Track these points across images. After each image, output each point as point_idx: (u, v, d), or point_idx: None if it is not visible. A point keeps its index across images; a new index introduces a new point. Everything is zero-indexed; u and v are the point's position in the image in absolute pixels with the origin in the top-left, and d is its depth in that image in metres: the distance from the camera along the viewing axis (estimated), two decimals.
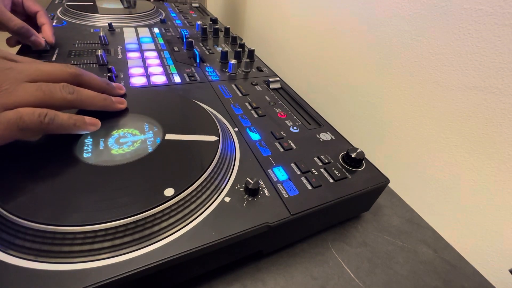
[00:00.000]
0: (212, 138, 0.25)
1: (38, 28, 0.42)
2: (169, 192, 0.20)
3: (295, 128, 0.32)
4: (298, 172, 0.26)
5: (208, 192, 0.22)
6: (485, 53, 0.32)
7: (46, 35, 0.41)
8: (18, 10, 0.41)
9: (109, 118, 0.27)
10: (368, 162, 0.28)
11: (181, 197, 0.20)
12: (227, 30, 0.58)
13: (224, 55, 0.46)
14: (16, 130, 0.19)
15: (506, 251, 0.34)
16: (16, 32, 0.37)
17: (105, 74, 0.36)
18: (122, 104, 0.28)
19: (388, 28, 0.42)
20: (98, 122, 0.25)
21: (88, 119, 0.24)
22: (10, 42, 0.41)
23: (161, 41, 0.51)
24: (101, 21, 0.55)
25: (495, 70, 0.31)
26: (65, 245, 0.17)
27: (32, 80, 0.21)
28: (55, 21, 0.52)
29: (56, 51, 0.41)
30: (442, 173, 0.39)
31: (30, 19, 0.42)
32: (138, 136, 0.26)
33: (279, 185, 0.24)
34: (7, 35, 0.40)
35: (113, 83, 0.29)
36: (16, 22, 0.36)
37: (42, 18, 0.42)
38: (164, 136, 0.26)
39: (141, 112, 0.29)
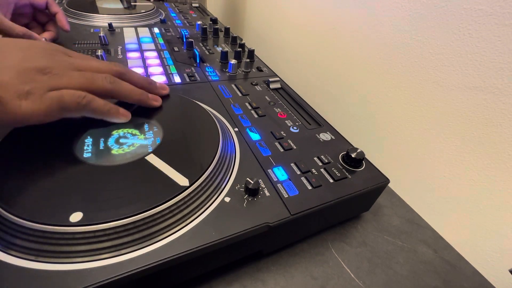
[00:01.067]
0: (182, 181, 0.22)
1: (42, 26, 0.43)
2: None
3: (295, 128, 0.32)
4: (298, 172, 0.26)
5: (208, 192, 0.22)
6: (485, 53, 0.32)
7: (62, 23, 0.43)
8: (24, 11, 0.42)
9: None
10: (368, 162, 0.28)
11: (181, 197, 0.20)
12: (227, 30, 0.58)
13: (224, 55, 0.46)
14: (57, 108, 0.21)
15: (506, 251, 0.34)
16: (20, 37, 0.37)
17: None
18: (157, 101, 0.30)
19: (388, 28, 0.42)
20: (129, 115, 0.27)
21: (121, 110, 0.26)
22: None
23: (161, 41, 0.51)
24: (101, 21, 0.55)
25: (495, 70, 0.31)
26: (65, 245, 0.17)
27: (80, 70, 0.24)
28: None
29: None
30: (442, 173, 0.39)
31: (38, 14, 0.43)
32: (138, 136, 0.26)
33: (279, 185, 0.24)
34: None
35: (158, 83, 0.31)
36: (18, 29, 0.37)
37: (53, 7, 0.43)
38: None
39: (141, 112, 0.29)
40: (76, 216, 0.18)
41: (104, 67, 0.26)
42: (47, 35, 0.42)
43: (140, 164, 0.23)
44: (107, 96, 0.25)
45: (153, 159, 0.23)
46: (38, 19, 0.44)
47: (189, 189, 0.21)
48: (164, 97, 0.32)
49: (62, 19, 0.43)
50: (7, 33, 0.36)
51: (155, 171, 0.22)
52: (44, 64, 0.21)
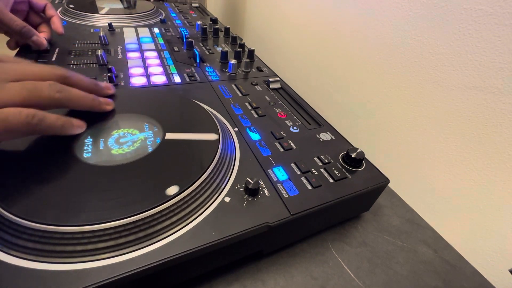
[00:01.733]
0: (213, 136, 0.25)
1: (35, 27, 0.42)
2: (171, 191, 0.20)
3: (295, 128, 0.32)
4: (298, 172, 0.26)
5: (208, 192, 0.22)
6: (485, 53, 0.32)
7: (56, 26, 0.42)
8: (20, 8, 0.41)
9: (109, 118, 0.27)
10: (368, 162, 0.28)
11: (181, 197, 0.20)
12: (227, 30, 0.58)
13: (224, 55, 0.46)
14: (2, 132, 0.18)
15: (506, 251, 0.34)
16: (18, 32, 0.37)
17: (105, 74, 0.36)
18: (109, 105, 0.28)
19: (388, 28, 0.42)
20: (84, 125, 0.24)
21: (75, 121, 0.23)
22: (10, 45, 0.41)
23: (161, 41, 0.51)
24: (101, 21, 0.55)
25: (495, 70, 0.31)
26: (65, 245, 0.17)
27: (18, 81, 0.20)
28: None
29: (56, 51, 0.41)
30: (442, 173, 0.39)
31: (32, 15, 0.43)
32: (138, 136, 0.26)
33: (279, 185, 0.24)
34: (6, 37, 0.40)
35: (102, 83, 0.29)
36: (18, 22, 0.36)
37: (50, 10, 0.43)
38: (164, 135, 0.26)
39: (141, 112, 0.29)
40: (172, 189, 0.19)
41: (45, 72, 0.22)
42: (44, 35, 0.42)
43: (140, 164, 0.23)
44: (54, 107, 0.22)
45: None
46: (31, 20, 0.43)
47: (189, 189, 0.21)
48: (164, 97, 0.32)
49: (57, 23, 0.43)
50: (6, 25, 0.35)
51: (155, 171, 0.22)
52: None
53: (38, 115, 0.20)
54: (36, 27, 0.43)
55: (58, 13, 0.44)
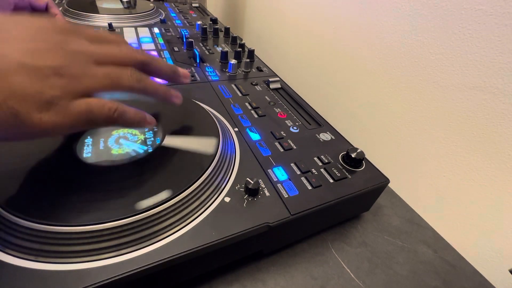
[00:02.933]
0: (211, 146, 0.25)
1: None
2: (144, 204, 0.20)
3: (295, 128, 0.32)
4: (298, 172, 0.26)
5: (208, 192, 0.22)
6: (485, 53, 0.32)
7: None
8: (21, 4, 0.41)
9: None
10: (368, 162, 0.28)
11: (181, 197, 0.20)
12: (227, 30, 0.58)
13: (224, 55, 0.46)
14: (84, 122, 0.18)
15: (506, 251, 0.34)
16: None
17: None
18: (178, 98, 0.26)
19: (388, 28, 0.42)
20: (154, 121, 0.24)
21: (149, 117, 0.23)
22: None
23: (161, 41, 0.51)
24: (101, 21, 0.55)
25: (495, 70, 0.31)
26: (65, 245, 0.17)
27: (100, 63, 0.20)
28: None
29: None
30: (442, 173, 0.39)
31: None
32: (138, 136, 0.26)
33: (279, 185, 0.24)
34: None
35: (181, 70, 0.27)
36: None
37: (53, 9, 0.43)
38: (164, 136, 0.26)
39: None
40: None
41: (128, 56, 0.22)
42: None
43: (139, 164, 0.23)
44: (129, 94, 0.22)
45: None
46: None
47: (189, 189, 0.21)
48: None
49: (61, 20, 0.43)
50: None
51: (154, 171, 0.22)
52: (59, 62, 0.17)
53: (119, 109, 0.20)
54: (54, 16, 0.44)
55: (60, 11, 0.45)
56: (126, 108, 0.21)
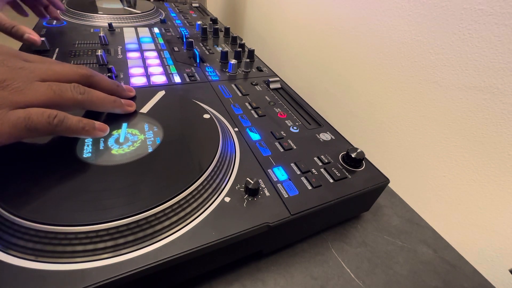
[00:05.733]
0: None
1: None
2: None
3: (295, 128, 0.32)
4: (298, 172, 0.26)
5: (208, 192, 0.22)
6: (485, 53, 0.32)
7: (59, 5, 0.46)
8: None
9: (109, 118, 0.27)
10: (368, 162, 0.28)
11: (181, 197, 0.20)
12: (227, 30, 0.58)
13: (224, 55, 0.46)
14: (23, 130, 0.19)
15: (506, 251, 0.34)
16: (9, 33, 0.36)
17: (105, 74, 0.36)
18: (131, 106, 0.28)
19: (388, 28, 0.42)
20: (107, 128, 0.24)
21: (97, 124, 0.23)
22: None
23: (161, 41, 0.51)
24: (101, 21, 0.55)
25: (495, 70, 0.31)
26: (65, 245, 0.17)
27: (43, 80, 0.21)
28: (54, 21, 0.52)
29: (56, 51, 0.41)
30: (442, 173, 0.39)
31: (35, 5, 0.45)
32: (138, 136, 0.26)
33: (279, 185, 0.24)
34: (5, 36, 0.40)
35: (124, 85, 0.29)
36: (7, 23, 0.35)
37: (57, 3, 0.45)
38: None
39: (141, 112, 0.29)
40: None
41: (70, 72, 0.23)
42: (56, 14, 0.43)
43: (140, 164, 0.23)
44: (76, 108, 0.23)
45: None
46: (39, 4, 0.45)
47: (189, 189, 0.21)
48: (164, 97, 0.32)
49: (55, 12, 0.46)
50: None
51: (154, 171, 0.22)
52: (3, 76, 0.19)
53: (59, 116, 0.20)
54: (46, 8, 0.46)
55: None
56: (68, 115, 0.21)
